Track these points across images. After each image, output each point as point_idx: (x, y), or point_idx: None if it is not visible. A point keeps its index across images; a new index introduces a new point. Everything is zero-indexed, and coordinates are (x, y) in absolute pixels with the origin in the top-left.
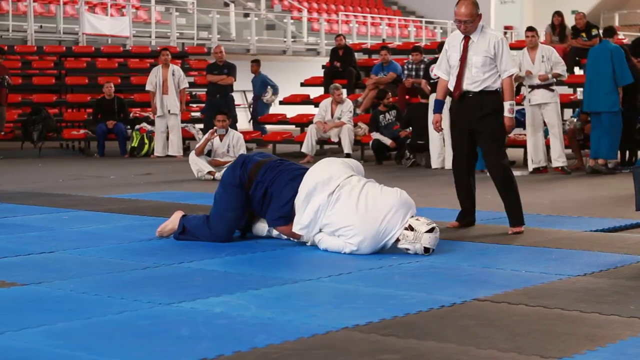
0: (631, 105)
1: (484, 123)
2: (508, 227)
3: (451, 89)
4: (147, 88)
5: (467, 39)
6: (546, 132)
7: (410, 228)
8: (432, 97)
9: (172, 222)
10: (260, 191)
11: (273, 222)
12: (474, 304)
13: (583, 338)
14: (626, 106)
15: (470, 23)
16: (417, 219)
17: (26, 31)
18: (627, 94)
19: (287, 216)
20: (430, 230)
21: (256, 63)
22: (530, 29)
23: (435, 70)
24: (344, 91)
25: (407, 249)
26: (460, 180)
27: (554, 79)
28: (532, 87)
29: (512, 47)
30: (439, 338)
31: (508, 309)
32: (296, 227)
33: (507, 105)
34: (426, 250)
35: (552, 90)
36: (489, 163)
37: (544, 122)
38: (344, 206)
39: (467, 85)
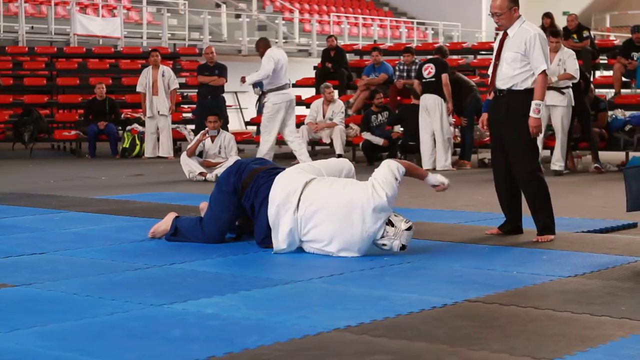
0: (581, 107)
1: (509, 128)
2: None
3: None
4: (137, 89)
5: (504, 34)
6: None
7: (391, 224)
8: (424, 98)
9: (165, 223)
10: (248, 203)
11: (261, 244)
12: (466, 305)
13: (574, 339)
14: (576, 109)
15: (500, 16)
16: (395, 215)
17: (17, 32)
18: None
19: (270, 234)
20: (409, 229)
21: None
22: (555, 34)
23: (490, 69)
24: (335, 92)
25: (384, 245)
26: (498, 184)
27: (568, 82)
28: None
29: None
30: (430, 339)
31: (499, 310)
32: (278, 251)
33: (532, 104)
34: (402, 247)
35: (563, 94)
36: (515, 170)
37: (550, 125)
38: (319, 220)
39: (497, 82)
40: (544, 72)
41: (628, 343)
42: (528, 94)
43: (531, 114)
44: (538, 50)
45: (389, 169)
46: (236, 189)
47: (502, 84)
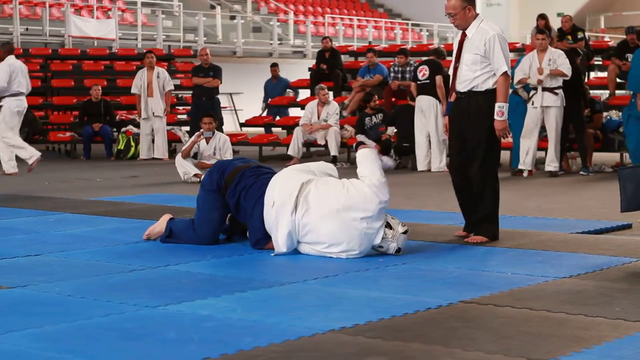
0: (576, 110)
1: (471, 128)
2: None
3: None
4: (132, 91)
5: (463, 35)
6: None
7: (389, 226)
8: (419, 99)
9: (160, 225)
10: (233, 200)
11: (255, 245)
12: (460, 306)
13: (569, 340)
14: (570, 113)
15: (454, 16)
16: (392, 218)
17: (12, 34)
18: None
19: (265, 236)
20: (405, 232)
21: (276, 67)
22: (540, 31)
23: (451, 71)
24: (330, 93)
25: (380, 247)
26: (456, 187)
27: (560, 81)
28: (536, 90)
29: None
30: (425, 340)
31: (494, 311)
32: (278, 254)
33: (495, 107)
34: (397, 250)
35: (556, 94)
36: (471, 171)
37: (543, 126)
38: (318, 222)
39: (457, 85)
40: (505, 73)
41: (623, 344)
42: (489, 94)
43: (496, 117)
44: (498, 51)
45: (377, 168)
46: (220, 186)
47: (462, 87)
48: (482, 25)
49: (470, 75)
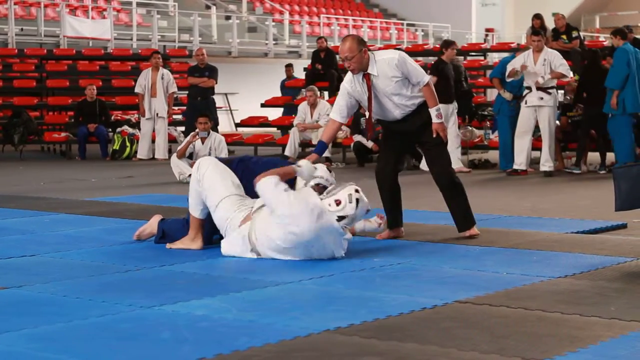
0: (597, 107)
1: (426, 132)
2: (459, 232)
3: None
4: (136, 90)
5: (367, 76)
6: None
7: (337, 203)
8: None
9: (151, 226)
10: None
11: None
12: (456, 306)
13: (564, 339)
14: (595, 109)
15: (351, 59)
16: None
17: (7, 34)
18: (593, 95)
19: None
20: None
21: (290, 67)
22: (536, 33)
23: (331, 115)
24: (325, 93)
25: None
26: (385, 188)
27: (554, 81)
28: (530, 89)
29: (494, 49)
30: (420, 340)
31: (489, 311)
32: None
33: (432, 112)
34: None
35: (549, 94)
36: (436, 170)
37: (537, 126)
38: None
39: (400, 115)
40: (427, 82)
41: (618, 343)
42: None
43: (435, 120)
44: (411, 66)
45: (275, 200)
46: None
47: (404, 112)
48: (379, 59)
49: (406, 100)
